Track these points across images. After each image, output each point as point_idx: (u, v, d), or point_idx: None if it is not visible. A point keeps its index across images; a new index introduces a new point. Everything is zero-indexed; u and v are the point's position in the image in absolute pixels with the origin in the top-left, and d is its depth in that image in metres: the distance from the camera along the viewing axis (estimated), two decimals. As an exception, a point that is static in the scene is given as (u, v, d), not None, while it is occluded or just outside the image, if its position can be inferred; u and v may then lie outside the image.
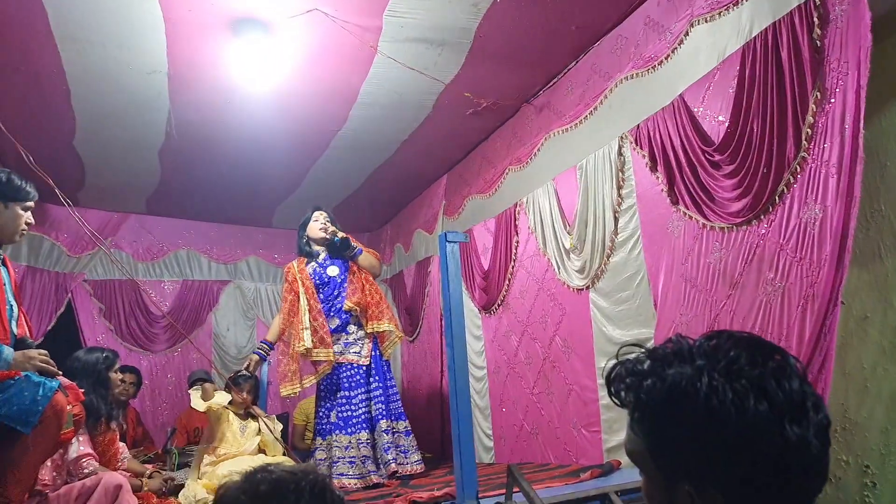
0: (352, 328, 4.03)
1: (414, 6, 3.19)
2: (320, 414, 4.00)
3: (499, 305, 4.39)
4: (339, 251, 4.12)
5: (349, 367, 3.96)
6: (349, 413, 3.87)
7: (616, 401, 0.90)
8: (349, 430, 3.83)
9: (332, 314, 4.02)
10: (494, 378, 4.44)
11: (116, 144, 4.46)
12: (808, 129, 2.30)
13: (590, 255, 3.50)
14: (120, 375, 3.34)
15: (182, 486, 3.44)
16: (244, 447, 3.59)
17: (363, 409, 3.90)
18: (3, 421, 2.18)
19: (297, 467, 1.09)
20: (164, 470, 3.78)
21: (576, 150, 3.67)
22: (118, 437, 3.26)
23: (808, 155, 2.31)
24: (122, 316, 5.59)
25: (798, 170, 2.34)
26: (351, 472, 3.72)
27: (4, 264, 2.57)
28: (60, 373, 2.44)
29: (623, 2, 3.29)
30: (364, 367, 3.98)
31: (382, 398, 3.96)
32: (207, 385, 3.70)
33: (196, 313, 5.93)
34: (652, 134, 3.07)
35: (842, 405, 2.44)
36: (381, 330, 4.05)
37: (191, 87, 3.79)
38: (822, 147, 2.26)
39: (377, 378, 4.00)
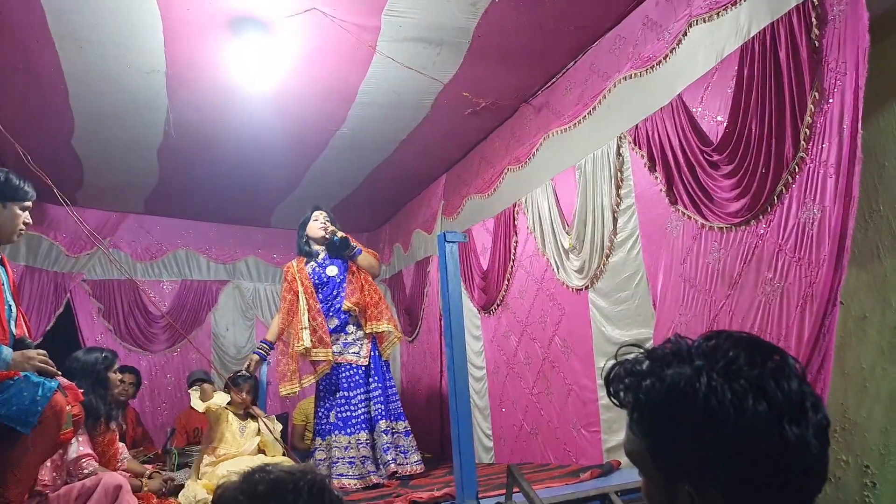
0: (351, 328, 4.03)
1: (412, 6, 3.19)
2: (319, 414, 4.00)
3: (498, 305, 4.39)
4: (338, 251, 4.12)
5: (348, 367, 3.96)
6: (348, 413, 3.87)
7: (615, 401, 0.91)
8: (348, 431, 3.83)
9: (330, 314, 4.02)
10: (494, 378, 4.44)
11: (115, 144, 4.46)
12: (807, 130, 2.30)
13: (589, 255, 3.50)
14: (119, 376, 3.34)
15: (182, 486, 3.44)
16: (244, 447, 3.59)
17: (362, 410, 3.90)
18: (2, 421, 2.18)
19: (295, 467, 1.09)
20: (164, 470, 3.78)
21: (574, 150, 3.67)
22: (118, 437, 3.26)
23: (807, 155, 2.31)
24: (121, 316, 5.58)
25: (796, 170, 2.35)
26: (350, 473, 3.72)
27: (3, 264, 2.56)
28: (59, 373, 2.43)
29: (621, 2, 3.29)
30: (363, 368, 3.99)
31: (382, 398, 3.96)
32: (206, 386, 3.70)
33: (195, 313, 5.93)
34: (650, 134, 3.07)
35: (841, 405, 2.44)
36: (380, 330, 4.05)
37: (189, 87, 3.79)
38: (820, 147, 2.26)
39: (376, 378, 4.00)
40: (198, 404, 3.59)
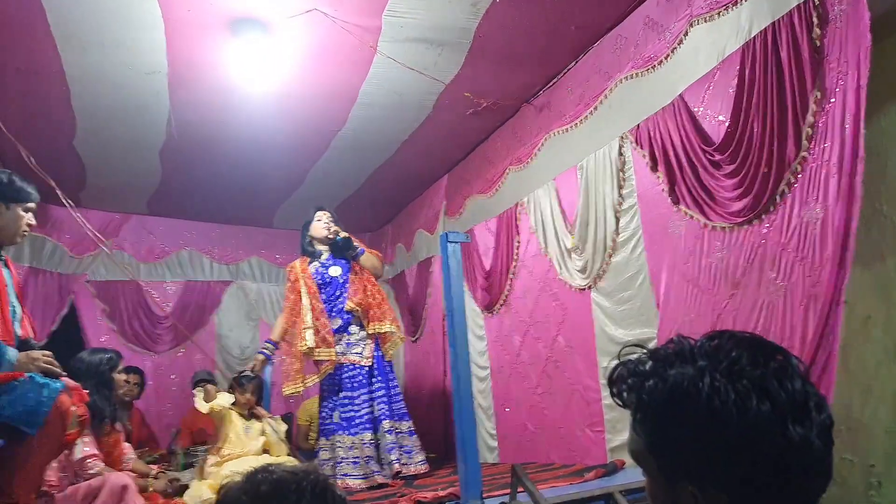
0: (353, 329, 4.04)
1: (413, 6, 3.19)
2: (323, 414, 4.01)
3: (501, 305, 4.39)
4: (341, 251, 4.13)
5: (351, 367, 3.97)
6: (352, 413, 3.88)
7: (618, 402, 0.91)
8: (352, 431, 3.83)
9: (333, 314, 4.03)
10: (497, 378, 4.45)
11: (117, 145, 4.47)
12: (809, 129, 2.30)
13: (591, 255, 3.50)
14: (124, 376, 3.36)
15: (187, 486, 3.45)
16: (248, 448, 3.60)
17: (366, 410, 3.90)
18: (8, 422, 2.19)
19: (298, 467, 1.09)
20: (169, 470, 3.79)
21: (576, 149, 3.67)
22: (123, 437, 3.27)
23: (809, 154, 2.31)
24: (125, 317, 5.60)
25: (799, 169, 2.35)
26: (355, 473, 3.72)
27: (6, 266, 2.57)
28: (64, 374, 2.44)
29: (622, 2, 3.29)
30: (366, 368, 3.99)
31: (385, 398, 3.96)
32: (209, 387, 3.71)
33: (199, 314, 5.94)
34: (652, 134, 3.07)
35: (846, 405, 2.44)
36: (383, 331, 4.05)
37: (191, 88, 3.80)
38: (822, 147, 2.26)
39: (380, 378, 4.01)
40: (201, 405, 3.60)
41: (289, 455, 3.69)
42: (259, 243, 6.37)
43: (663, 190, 3.01)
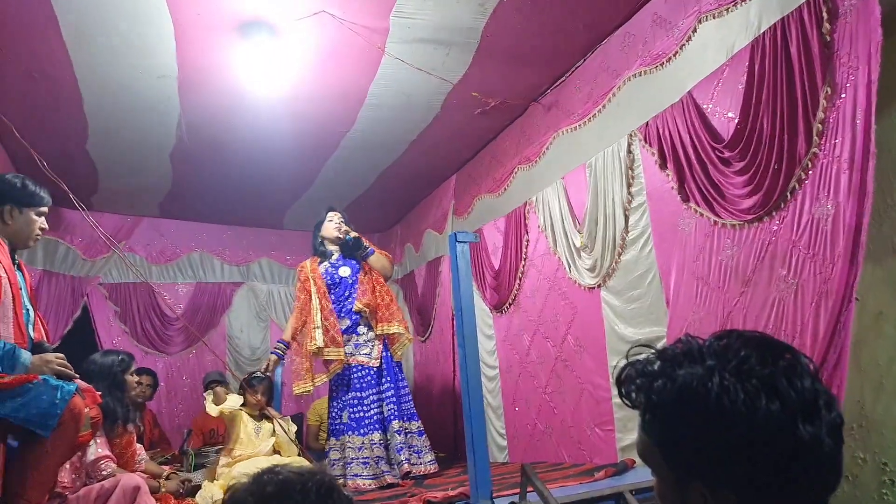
0: (362, 329, 4.05)
1: (420, 7, 3.19)
2: (332, 414, 4.03)
3: (510, 304, 4.39)
4: (351, 251, 4.14)
5: (359, 368, 3.98)
6: (361, 414, 3.89)
7: (627, 402, 0.90)
8: (361, 431, 3.84)
9: (342, 315, 4.05)
10: (507, 377, 4.44)
11: (129, 148, 4.51)
12: (819, 125, 2.28)
13: (600, 254, 3.50)
14: (136, 378, 3.38)
15: (199, 487, 3.47)
16: (259, 448, 3.62)
17: (375, 410, 3.91)
18: (22, 424, 2.21)
19: (304, 468, 1.10)
20: (181, 471, 3.81)
21: (585, 148, 3.66)
22: (135, 438, 3.29)
23: (820, 150, 2.29)
24: (137, 319, 5.64)
25: (809, 165, 2.33)
26: (365, 473, 3.73)
27: (20, 269, 2.60)
28: (77, 376, 2.46)
29: (630, -1, 3.28)
30: (375, 369, 4.00)
31: (394, 399, 3.97)
32: (219, 389, 3.73)
33: (210, 315, 5.98)
34: (661, 131, 3.06)
35: (858, 402, 2.42)
36: (391, 332, 4.06)
37: (201, 91, 3.82)
38: (833, 142, 2.24)
39: (389, 379, 4.02)
40: (212, 409, 3.61)
41: (299, 455, 3.70)
42: (269, 244, 6.40)
43: (672, 187, 3.00)
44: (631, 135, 3.29)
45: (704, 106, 2.82)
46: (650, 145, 3.15)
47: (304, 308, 4.08)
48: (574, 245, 3.74)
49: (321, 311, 4.00)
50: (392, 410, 3.93)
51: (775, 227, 2.47)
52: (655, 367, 0.87)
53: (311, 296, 4.06)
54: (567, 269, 3.81)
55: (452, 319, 4.95)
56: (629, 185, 3.30)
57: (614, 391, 3.38)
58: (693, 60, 2.90)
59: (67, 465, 2.64)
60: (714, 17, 2.79)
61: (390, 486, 3.68)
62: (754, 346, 0.83)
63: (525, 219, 4.24)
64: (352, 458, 3.78)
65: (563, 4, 3.24)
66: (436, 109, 4.23)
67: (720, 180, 2.72)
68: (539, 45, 3.61)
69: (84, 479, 2.81)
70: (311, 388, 3.99)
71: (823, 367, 2.12)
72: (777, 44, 2.44)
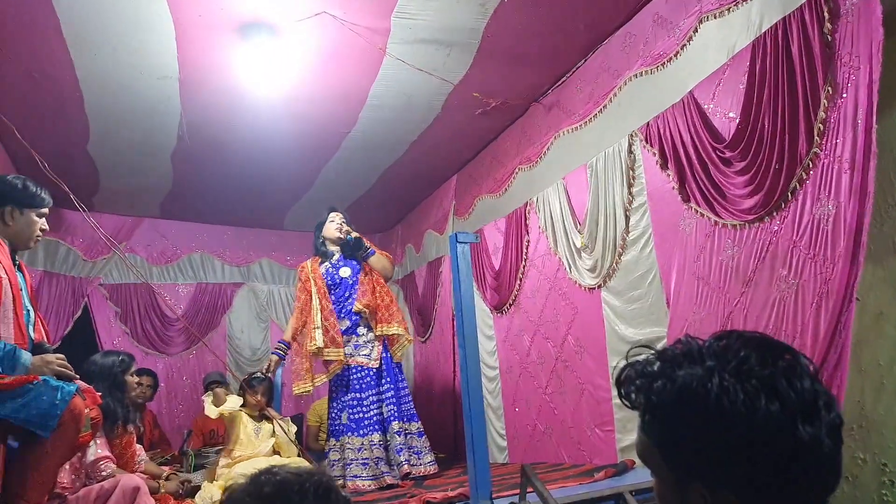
0: (362, 330, 4.05)
1: (422, 7, 3.19)
2: (332, 415, 4.03)
3: (510, 305, 4.39)
4: (352, 251, 4.14)
5: (359, 369, 3.98)
6: (360, 415, 3.89)
7: (626, 403, 0.90)
8: (361, 432, 3.84)
9: (342, 315, 4.05)
10: (507, 378, 4.44)
11: (129, 149, 4.51)
12: (820, 125, 2.28)
13: (601, 254, 3.49)
14: (136, 378, 3.38)
15: (199, 487, 3.47)
16: (259, 449, 3.62)
17: (374, 411, 3.91)
18: (22, 425, 2.21)
19: (302, 469, 1.09)
20: (181, 472, 3.81)
21: (586, 148, 3.66)
22: (135, 439, 3.29)
23: (821, 150, 2.29)
24: (137, 319, 5.65)
25: (810, 165, 2.33)
26: (364, 474, 3.73)
27: (21, 270, 2.60)
28: (78, 377, 2.46)
29: (631, -1, 3.28)
30: (374, 370, 4.00)
31: (394, 400, 3.97)
32: (219, 390, 3.72)
33: (210, 316, 5.98)
34: (662, 131, 3.06)
35: (858, 403, 2.42)
36: (391, 333, 4.06)
37: (202, 92, 3.83)
38: (834, 142, 2.24)
39: (388, 380, 4.02)
40: (211, 411, 3.60)
41: (299, 456, 3.70)
42: (270, 245, 6.40)
43: (673, 188, 3.00)
44: (632, 135, 3.29)
45: (705, 106, 2.82)
46: (651, 145, 3.14)
47: (304, 308, 4.08)
48: (575, 245, 3.74)
49: (321, 311, 4.01)
50: (392, 411, 3.93)
51: (776, 228, 2.47)
52: (655, 367, 0.87)
53: (311, 296, 4.06)
54: (567, 269, 3.80)
55: (453, 320, 4.95)
56: (630, 186, 3.30)
57: (614, 392, 3.37)
58: (694, 60, 2.90)
59: (67, 466, 2.64)
60: (715, 17, 2.79)
61: (390, 486, 3.68)
62: (754, 347, 0.83)
63: (526, 219, 4.24)
64: (351, 460, 3.78)
65: (564, 5, 3.24)
66: (437, 110, 4.23)
67: (721, 180, 2.72)
68: (540, 46, 3.61)
69: (84, 479, 2.81)
70: (311, 388, 3.99)
71: (824, 367, 2.12)
72: (778, 43, 2.43)
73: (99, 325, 5.50)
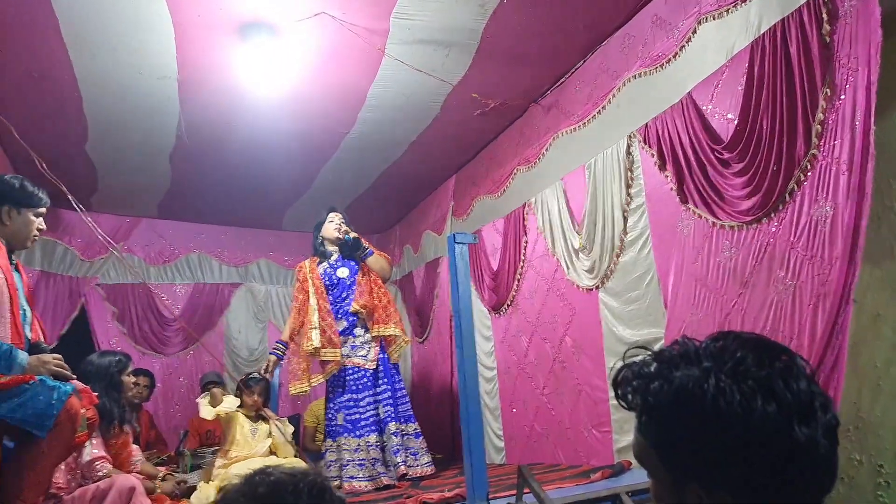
0: (359, 331, 4.04)
1: (421, 8, 3.19)
2: (329, 415, 4.03)
3: (508, 306, 4.39)
4: (350, 251, 4.14)
5: (355, 370, 3.98)
6: (357, 416, 3.88)
7: (623, 404, 0.90)
8: (357, 433, 3.84)
9: (339, 316, 4.04)
10: (504, 378, 4.44)
11: (128, 149, 4.50)
12: (819, 126, 2.28)
13: (599, 255, 3.49)
14: (133, 378, 3.37)
15: (195, 488, 3.46)
16: (255, 449, 3.61)
17: (371, 412, 3.90)
18: (18, 425, 2.21)
19: (296, 469, 1.09)
20: (177, 472, 3.80)
21: (584, 149, 3.66)
22: (131, 439, 3.29)
23: (819, 152, 2.29)
24: (134, 319, 5.63)
25: (808, 167, 2.33)
26: (361, 475, 3.73)
27: (17, 269, 2.59)
28: (74, 377, 2.46)
29: (630, 0, 3.27)
30: (371, 371, 3.99)
31: (391, 401, 3.96)
32: (216, 391, 3.72)
33: (208, 316, 5.97)
34: (661, 132, 3.06)
35: (854, 404, 2.42)
36: (387, 334, 4.05)
37: (201, 92, 3.82)
38: (832, 144, 2.24)
39: (385, 381, 4.01)
40: (207, 412, 3.59)
41: (296, 457, 3.70)
42: (268, 245, 6.39)
43: (671, 189, 3.00)
44: (630, 136, 3.29)
45: (704, 107, 2.82)
46: (649, 146, 3.14)
47: (301, 308, 4.08)
48: (573, 246, 3.74)
49: (319, 311, 4.00)
50: (389, 412, 3.93)
51: (774, 229, 2.47)
52: (652, 368, 0.87)
53: (309, 296, 4.06)
54: (565, 270, 3.80)
55: (451, 320, 4.95)
56: (628, 187, 3.30)
57: (611, 393, 3.37)
58: (693, 61, 2.90)
59: (63, 466, 2.63)
60: (714, 19, 2.79)
61: (386, 487, 3.67)
62: (751, 348, 0.83)
63: (524, 220, 4.24)
64: (348, 460, 3.77)
65: (563, 5, 3.24)
66: (435, 111, 4.23)
67: (719, 182, 2.72)
68: (539, 47, 3.61)
69: (79, 479, 2.80)
70: (308, 388, 3.99)
71: (821, 368, 2.12)
72: (777, 45, 2.44)
73: (96, 325, 5.48)
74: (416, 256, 5.96)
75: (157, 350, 5.67)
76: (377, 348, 4.05)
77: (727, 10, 2.71)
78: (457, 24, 3.33)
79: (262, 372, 4.00)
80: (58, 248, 5.31)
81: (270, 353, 4.20)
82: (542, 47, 3.62)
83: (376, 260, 4.18)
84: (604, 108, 3.50)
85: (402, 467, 3.78)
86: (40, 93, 3.69)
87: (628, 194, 3.30)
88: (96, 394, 2.59)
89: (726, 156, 2.67)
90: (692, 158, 2.84)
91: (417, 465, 3.89)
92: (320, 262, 4.20)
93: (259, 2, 3.09)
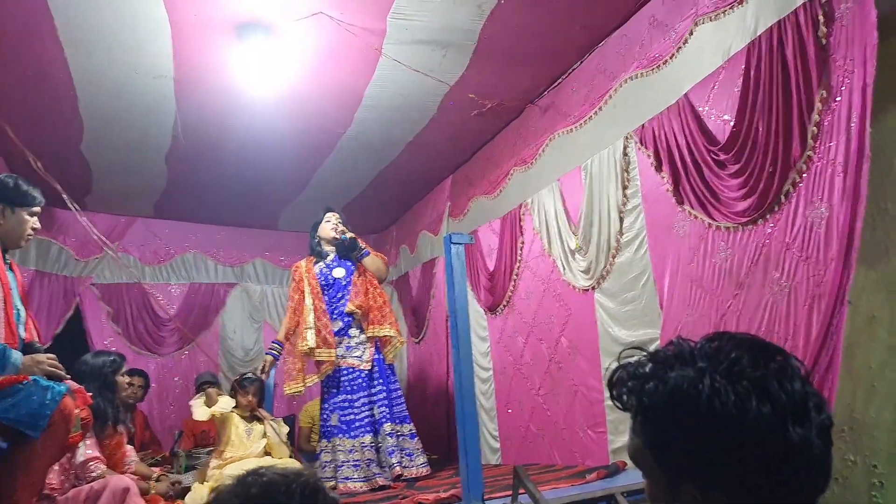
0: (354, 332, 4.04)
1: (418, 8, 3.19)
2: (324, 416, 4.02)
3: (504, 306, 4.38)
4: (347, 251, 4.14)
5: (350, 370, 3.97)
6: (352, 417, 3.88)
7: (618, 404, 0.90)
8: (352, 434, 3.83)
9: (335, 316, 4.04)
10: (500, 379, 4.44)
11: (124, 149, 4.49)
12: (814, 128, 2.29)
13: (595, 256, 3.49)
14: (127, 379, 3.37)
15: (189, 488, 3.45)
16: (250, 450, 3.61)
17: (366, 413, 3.90)
18: (12, 425, 2.19)
19: (289, 470, 1.09)
20: (172, 473, 3.79)
21: (581, 150, 3.66)
22: (126, 440, 3.28)
23: (814, 154, 2.30)
24: (129, 319, 5.61)
25: (804, 169, 2.33)
26: (356, 476, 3.72)
27: (11, 269, 2.58)
28: (68, 377, 2.45)
29: (627, 1, 3.28)
30: (366, 372, 3.98)
31: (386, 402, 3.96)
32: (211, 390, 3.70)
33: (203, 316, 5.95)
34: (657, 134, 3.06)
35: (849, 405, 2.42)
36: (382, 335, 4.05)
37: (197, 91, 3.81)
38: (828, 146, 2.25)
39: (380, 382, 4.01)
40: (200, 414, 3.57)
41: (291, 457, 3.69)
42: (264, 245, 6.38)
43: (668, 190, 3.00)
44: (627, 137, 3.29)
45: (700, 108, 2.82)
46: (646, 148, 3.15)
47: (297, 308, 4.07)
48: (569, 247, 3.74)
49: (314, 311, 4.00)
50: (384, 413, 3.92)
51: (769, 230, 2.47)
52: (647, 369, 0.87)
53: (304, 296, 4.05)
54: (561, 270, 3.80)
55: (447, 321, 4.94)
56: (624, 188, 3.31)
57: (607, 393, 3.37)
58: (689, 63, 2.91)
59: (56, 467, 2.62)
60: (711, 20, 2.79)
61: (382, 488, 3.67)
62: (745, 349, 0.83)
63: (520, 220, 4.24)
64: (343, 461, 3.77)
65: (561, 6, 3.25)
66: (432, 111, 4.22)
67: (715, 183, 2.72)
68: (536, 47, 3.61)
69: (73, 480, 2.79)
70: (303, 388, 3.98)
71: (815, 369, 2.12)
72: (773, 47, 2.44)
73: (90, 325, 5.46)
74: (412, 257, 5.95)
75: (152, 350, 5.66)
76: (372, 349, 4.04)
77: (724, 12, 2.72)
78: (454, 25, 3.33)
79: (259, 372, 3.99)
80: (52, 247, 5.29)
81: (267, 354, 4.20)
82: (540, 48, 3.62)
83: (373, 260, 4.17)
84: (600, 108, 3.50)
85: (398, 468, 3.78)
86: (35, 91, 3.68)
87: (624, 195, 3.31)
88: (90, 394, 2.58)
89: (722, 157, 2.68)
90: (688, 159, 2.84)
91: (413, 466, 3.89)
92: (317, 262, 4.19)
93: (256, 1, 3.09)
